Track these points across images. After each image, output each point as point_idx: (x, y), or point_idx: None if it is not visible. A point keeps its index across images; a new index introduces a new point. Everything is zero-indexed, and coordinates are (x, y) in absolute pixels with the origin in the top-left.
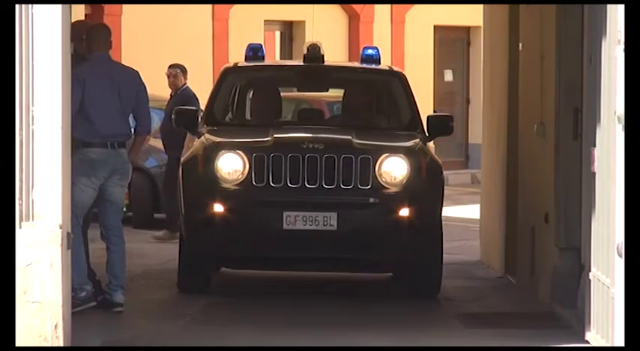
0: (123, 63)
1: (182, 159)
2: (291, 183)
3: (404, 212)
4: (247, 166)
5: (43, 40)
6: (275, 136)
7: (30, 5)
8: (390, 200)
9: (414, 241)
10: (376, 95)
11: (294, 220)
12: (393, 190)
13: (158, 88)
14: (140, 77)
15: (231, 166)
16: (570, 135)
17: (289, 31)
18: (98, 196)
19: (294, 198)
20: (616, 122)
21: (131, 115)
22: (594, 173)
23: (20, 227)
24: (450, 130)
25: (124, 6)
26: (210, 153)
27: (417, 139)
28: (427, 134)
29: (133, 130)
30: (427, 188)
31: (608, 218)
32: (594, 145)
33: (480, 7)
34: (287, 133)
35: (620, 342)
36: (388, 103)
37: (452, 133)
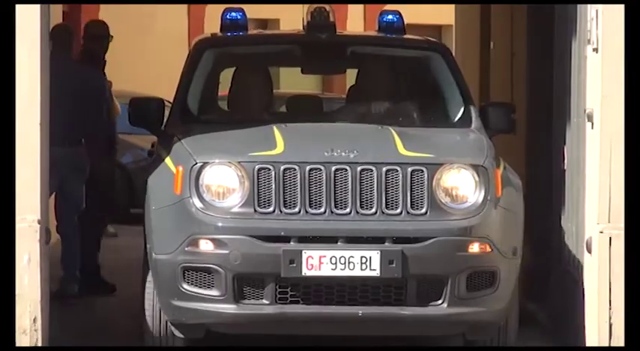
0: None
1: (149, 172)
2: (311, 208)
3: (474, 248)
4: (247, 184)
5: (22, 38)
6: (284, 138)
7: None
8: (455, 230)
9: (487, 288)
10: (412, 77)
11: (319, 263)
12: (458, 215)
13: (134, 86)
14: None
15: (223, 184)
16: (540, 132)
17: (264, 29)
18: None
19: (318, 230)
20: (585, 120)
21: None
22: (564, 170)
23: None
24: (512, 125)
25: (102, 5)
26: (192, 165)
27: (483, 140)
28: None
29: None
30: (505, 211)
31: (577, 215)
32: (564, 143)
33: (452, 5)
34: (300, 135)
35: (591, 337)
36: (430, 89)
37: (514, 129)
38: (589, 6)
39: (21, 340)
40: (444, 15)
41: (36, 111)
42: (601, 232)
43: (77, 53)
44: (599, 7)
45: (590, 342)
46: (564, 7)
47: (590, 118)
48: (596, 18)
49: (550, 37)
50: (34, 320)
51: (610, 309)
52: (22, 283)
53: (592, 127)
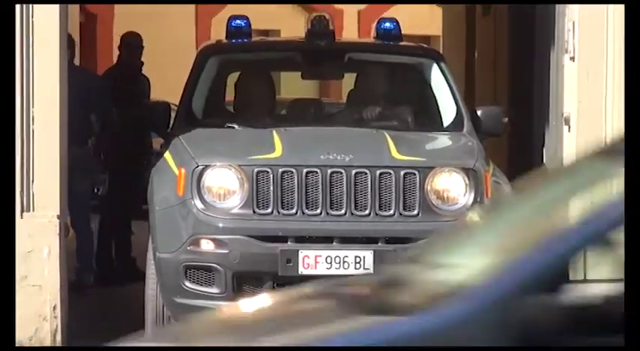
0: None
1: (152, 171)
2: (308, 209)
3: None
4: (246, 185)
5: (42, 42)
6: (282, 141)
7: (30, 5)
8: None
9: None
10: (408, 82)
11: (315, 263)
12: (448, 216)
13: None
14: None
15: (223, 186)
16: (521, 134)
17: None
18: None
19: (314, 231)
20: (563, 123)
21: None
22: None
23: (22, 217)
24: (503, 128)
25: (116, 15)
26: (193, 168)
27: (474, 144)
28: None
29: None
30: None
31: None
32: (543, 144)
33: (440, 17)
34: (298, 139)
35: None
36: (424, 94)
37: (504, 132)
38: (566, 17)
39: (42, 327)
40: (433, 26)
41: (55, 116)
42: None
43: (114, 62)
44: (576, 17)
45: None
46: (545, 18)
47: (567, 121)
48: (572, 29)
49: (531, 47)
50: (54, 308)
51: None
52: (43, 274)
53: (569, 130)
